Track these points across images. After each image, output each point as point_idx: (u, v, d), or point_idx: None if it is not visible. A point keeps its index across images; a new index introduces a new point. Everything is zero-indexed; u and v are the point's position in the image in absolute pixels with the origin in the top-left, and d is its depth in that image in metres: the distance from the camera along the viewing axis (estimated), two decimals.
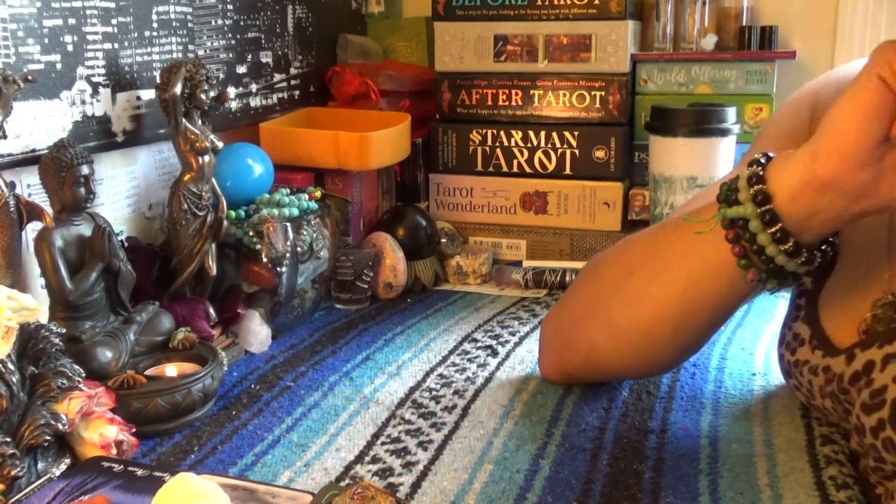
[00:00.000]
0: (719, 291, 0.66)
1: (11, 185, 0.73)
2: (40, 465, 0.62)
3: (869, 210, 0.58)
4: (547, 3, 1.24)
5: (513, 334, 0.97)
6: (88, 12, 0.88)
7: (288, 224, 0.95)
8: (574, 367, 0.79)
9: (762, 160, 0.62)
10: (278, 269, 0.94)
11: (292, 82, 1.27)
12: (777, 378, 0.82)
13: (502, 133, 1.29)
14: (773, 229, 0.60)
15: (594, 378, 0.80)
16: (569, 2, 1.23)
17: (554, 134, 1.27)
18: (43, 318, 0.72)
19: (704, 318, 0.69)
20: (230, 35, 1.12)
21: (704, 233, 0.66)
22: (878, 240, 0.66)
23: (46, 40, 0.83)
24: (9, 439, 0.60)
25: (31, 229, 0.76)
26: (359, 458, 0.68)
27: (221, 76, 1.11)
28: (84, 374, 0.67)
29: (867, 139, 0.55)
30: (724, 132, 1.10)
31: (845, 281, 0.68)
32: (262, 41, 1.19)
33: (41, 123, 0.83)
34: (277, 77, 1.24)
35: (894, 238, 0.66)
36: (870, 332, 0.62)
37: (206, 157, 0.90)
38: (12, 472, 0.58)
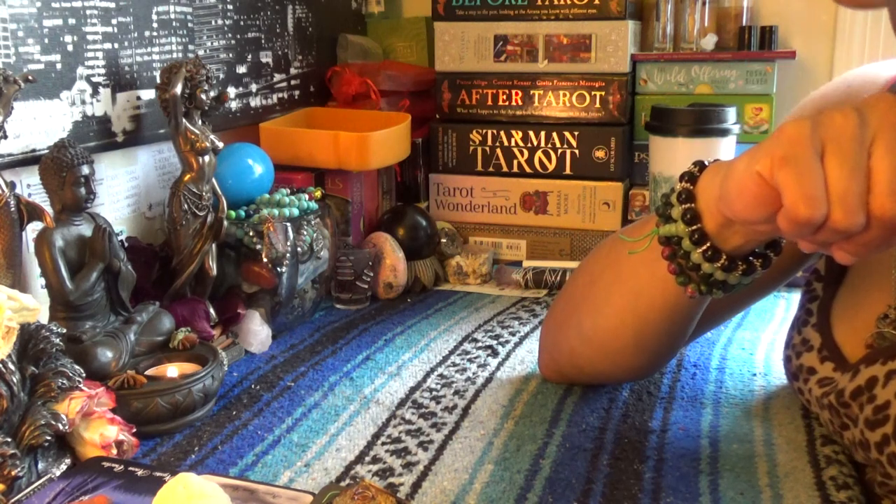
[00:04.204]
0: (668, 303, 0.66)
1: (12, 185, 0.73)
2: (41, 466, 0.62)
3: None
4: (547, 3, 1.24)
5: (513, 334, 0.97)
6: (88, 12, 0.88)
7: (288, 224, 0.95)
8: (563, 367, 0.80)
9: (696, 171, 0.61)
10: (278, 269, 0.94)
11: (292, 82, 1.27)
12: (777, 378, 0.82)
13: (502, 133, 1.29)
14: (702, 248, 0.58)
15: (582, 380, 0.80)
16: (569, 2, 1.23)
17: (554, 134, 1.27)
18: (43, 318, 0.72)
19: (662, 327, 0.69)
20: (230, 35, 1.12)
21: (637, 252, 0.65)
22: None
23: (46, 40, 0.83)
24: (9, 439, 0.60)
25: (32, 229, 0.76)
26: (359, 459, 0.68)
27: (221, 76, 1.11)
28: (84, 375, 0.67)
29: (754, 218, 0.53)
30: (724, 132, 1.10)
31: (855, 290, 0.67)
32: (262, 41, 1.19)
33: (41, 123, 0.83)
34: (277, 77, 1.24)
35: None
36: (874, 347, 0.61)
37: (207, 158, 0.90)
38: (13, 472, 0.58)
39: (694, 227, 0.58)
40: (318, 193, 1.05)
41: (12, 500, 0.57)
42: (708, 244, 0.58)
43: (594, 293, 0.73)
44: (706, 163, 0.61)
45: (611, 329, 0.71)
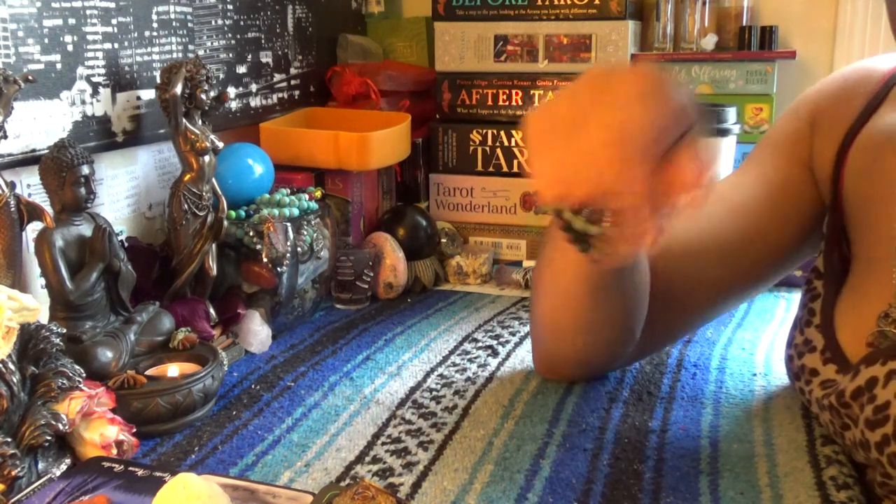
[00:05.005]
0: (583, 276, 0.67)
1: (12, 185, 0.73)
2: (41, 466, 0.62)
3: None
4: (547, 3, 1.24)
5: (513, 334, 0.97)
6: (88, 12, 0.88)
7: (288, 224, 0.95)
8: (543, 357, 0.81)
9: None
10: (278, 269, 0.94)
11: (292, 82, 1.27)
12: (778, 378, 0.82)
13: (502, 133, 1.29)
14: (580, 214, 0.58)
15: (563, 371, 0.81)
16: (569, 2, 1.23)
17: None
18: (43, 318, 0.72)
19: (591, 303, 0.70)
20: (230, 35, 1.12)
21: (532, 232, 0.67)
22: (887, 248, 0.65)
23: (46, 40, 0.83)
24: (9, 439, 0.60)
25: (32, 229, 0.76)
26: (359, 459, 0.68)
27: (221, 76, 1.11)
28: (84, 375, 0.67)
29: None
30: (724, 132, 1.10)
31: (856, 289, 0.67)
32: (262, 41, 1.19)
33: (41, 123, 0.83)
34: (277, 77, 1.24)
35: None
36: (875, 346, 0.61)
37: (207, 158, 0.90)
38: (13, 473, 0.58)
39: None
40: (318, 193, 1.05)
41: (12, 500, 0.57)
42: (587, 209, 0.58)
43: (537, 280, 0.76)
44: None
45: (548, 311, 0.74)
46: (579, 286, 0.69)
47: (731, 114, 1.11)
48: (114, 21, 0.92)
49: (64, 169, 0.75)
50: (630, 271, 0.69)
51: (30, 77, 0.74)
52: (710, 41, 1.27)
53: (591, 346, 0.75)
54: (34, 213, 0.73)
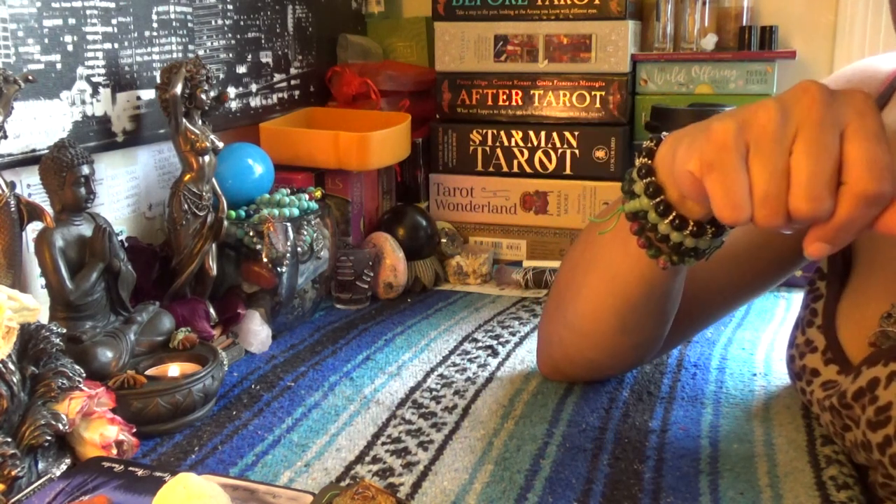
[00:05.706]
0: (643, 277, 0.66)
1: (12, 185, 0.73)
2: (41, 466, 0.62)
3: None
4: (547, 3, 1.24)
5: (513, 334, 0.97)
6: (88, 12, 0.88)
7: (288, 224, 0.95)
8: (557, 360, 0.80)
9: (654, 146, 0.60)
10: (279, 269, 0.94)
11: (292, 82, 1.27)
12: (778, 378, 0.82)
13: (502, 133, 1.29)
14: (669, 218, 0.58)
15: (576, 373, 0.81)
16: (569, 2, 1.23)
17: (554, 134, 1.27)
18: (43, 318, 0.72)
19: (640, 304, 0.68)
20: (230, 35, 1.12)
21: (606, 231, 0.66)
22: (890, 249, 0.65)
23: (46, 40, 0.83)
24: (9, 439, 0.60)
25: (32, 229, 0.76)
26: (359, 459, 0.68)
27: (221, 76, 1.11)
28: (84, 375, 0.67)
29: (699, 203, 0.55)
30: None
31: (859, 289, 0.67)
32: (262, 41, 1.19)
33: (41, 123, 0.83)
34: (277, 77, 1.24)
35: None
36: (877, 346, 0.61)
37: (207, 157, 0.90)
38: (13, 473, 0.58)
39: (658, 200, 0.58)
40: (318, 193, 1.05)
41: (12, 500, 0.57)
42: (674, 214, 0.58)
43: (574, 279, 0.74)
44: (662, 136, 0.60)
45: (590, 312, 0.72)
46: (636, 288, 0.67)
47: None
48: (114, 21, 0.92)
49: (64, 169, 0.75)
50: (682, 276, 0.68)
51: (30, 77, 0.74)
52: (710, 41, 1.27)
53: (627, 347, 0.74)
54: (34, 213, 0.73)
